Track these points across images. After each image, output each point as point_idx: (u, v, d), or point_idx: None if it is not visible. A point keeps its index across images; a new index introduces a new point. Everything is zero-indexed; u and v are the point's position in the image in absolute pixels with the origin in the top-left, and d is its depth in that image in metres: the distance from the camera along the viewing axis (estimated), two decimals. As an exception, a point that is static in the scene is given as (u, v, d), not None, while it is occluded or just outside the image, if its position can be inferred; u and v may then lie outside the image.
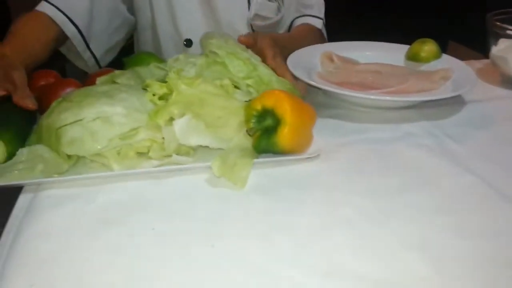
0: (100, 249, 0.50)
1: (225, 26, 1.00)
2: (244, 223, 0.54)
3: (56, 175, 0.59)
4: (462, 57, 0.90)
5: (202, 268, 0.47)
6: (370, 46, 0.94)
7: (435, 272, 0.47)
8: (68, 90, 0.72)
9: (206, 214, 0.55)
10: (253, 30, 1.02)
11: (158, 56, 0.89)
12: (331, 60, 0.89)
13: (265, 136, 0.63)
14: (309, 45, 0.92)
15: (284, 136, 0.61)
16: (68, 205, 0.56)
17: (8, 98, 0.68)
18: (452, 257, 0.49)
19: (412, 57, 0.89)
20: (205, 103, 0.63)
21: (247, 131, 0.64)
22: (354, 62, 0.90)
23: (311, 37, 1.04)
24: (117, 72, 0.73)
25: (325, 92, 0.79)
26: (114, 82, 0.71)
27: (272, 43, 0.80)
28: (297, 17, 1.08)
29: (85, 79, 0.76)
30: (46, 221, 0.53)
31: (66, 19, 0.89)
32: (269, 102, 0.62)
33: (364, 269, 0.47)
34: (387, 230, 0.52)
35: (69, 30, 0.90)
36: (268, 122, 0.62)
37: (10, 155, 0.59)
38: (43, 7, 0.88)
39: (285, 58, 0.81)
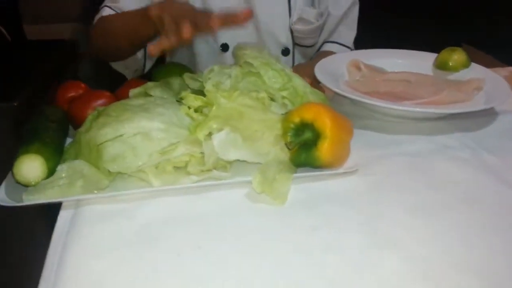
0: (148, 267, 0.49)
1: (264, 31, 1.00)
2: (289, 241, 0.53)
3: (96, 191, 0.58)
4: (475, 60, 0.89)
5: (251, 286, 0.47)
6: (396, 53, 0.94)
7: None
8: (100, 101, 0.71)
9: (250, 231, 0.54)
10: (292, 37, 1.02)
11: (187, 67, 0.89)
12: (358, 68, 0.88)
13: (304, 150, 0.62)
14: None
15: (325, 150, 0.61)
16: (110, 221, 0.56)
17: (43, 113, 0.67)
18: (504, 277, 0.48)
19: (440, 65, 0.89)
20: (243, 116, 0.63)
21: (285, 144, 0.63)
22: (381, 71, 0.89)
23: None
24: (149, 84, 0.72)
25: (352, 101, 0.78)
26: (147, 94, 0.70)
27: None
28: (327, 42, 1.10)
29: (117, 90, 0.75)
30: (91, 239, 0.53)
31: None
32: (308, 115, 0.62)
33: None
34: (435, 249, 0.52)
35: None
36: (308, 135, 0.62)
37: (51, 171, 0.58)
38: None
39: None
